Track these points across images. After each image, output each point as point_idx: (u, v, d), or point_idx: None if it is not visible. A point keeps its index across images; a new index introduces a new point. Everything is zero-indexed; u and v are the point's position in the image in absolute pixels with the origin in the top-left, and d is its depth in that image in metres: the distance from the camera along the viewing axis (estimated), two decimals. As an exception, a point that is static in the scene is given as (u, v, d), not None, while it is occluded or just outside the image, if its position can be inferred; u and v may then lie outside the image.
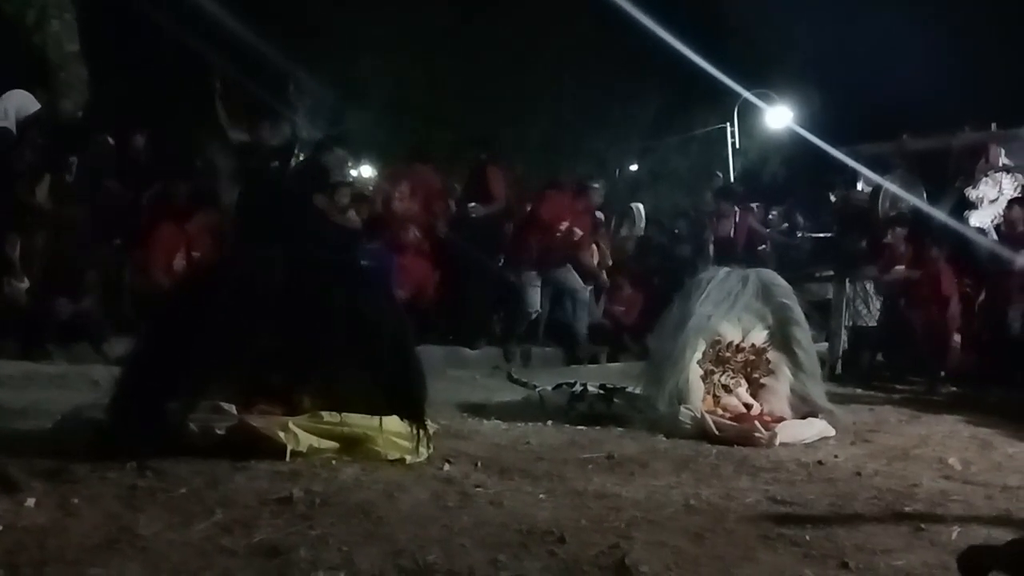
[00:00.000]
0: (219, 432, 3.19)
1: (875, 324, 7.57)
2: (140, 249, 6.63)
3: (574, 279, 7.86)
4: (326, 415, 3.33)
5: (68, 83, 8.44)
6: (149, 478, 2.86)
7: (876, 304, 7.57)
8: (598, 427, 4.48)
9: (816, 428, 4.45)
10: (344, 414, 3.33)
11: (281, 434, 3.21)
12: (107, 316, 6.23)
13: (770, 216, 10.11)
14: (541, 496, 2.96)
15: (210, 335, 3.32)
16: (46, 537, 2.26)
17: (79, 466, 2.92)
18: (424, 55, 14.19)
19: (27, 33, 8.53)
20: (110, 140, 7.30)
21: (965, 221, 8.19)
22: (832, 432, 4.45)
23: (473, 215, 7.84)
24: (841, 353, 7.61)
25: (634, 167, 12.25)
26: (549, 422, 4.57)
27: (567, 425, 4.51)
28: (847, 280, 7.71)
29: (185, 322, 3.45)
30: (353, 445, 3.31)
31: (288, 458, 3.15)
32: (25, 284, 5.95)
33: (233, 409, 3.26)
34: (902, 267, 7.56)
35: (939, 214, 8.03)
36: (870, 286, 7.59)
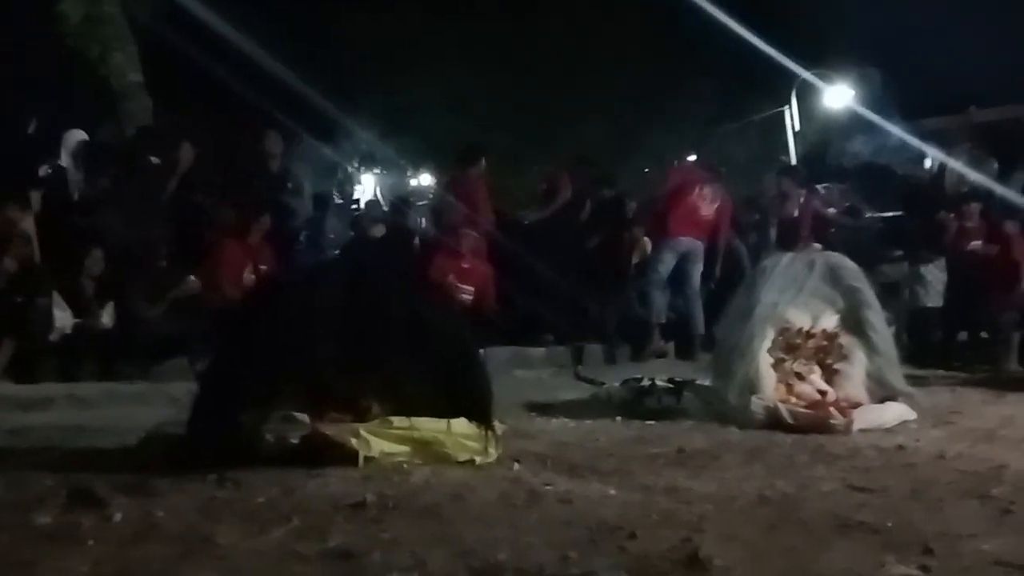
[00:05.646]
0: (293, 441, 3.26)
1: (935, 305, 7.37)
2: (208, 266, 6.79)
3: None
4: (396, 420, 3.38)
5: (132, 112, 8.74)
6: (227, 489, 2.94)
7: (935, 284, 7.37)
8: (667, 421, 4.43)
9: (895, 412, 4.33)
10: (413, 419, 3.37)
11: (353, 441, 3.27)
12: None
13: (830, 187, 9.86)
14: (610, 492, 2.94)
15: (278, 347, 3.41)
16: (130, 549, 2.34)
17: (160, 480, 3.01)
18: (479, 61, 14.33)
19: (92, 66, 8.86)
20: (153, 160, 7.09)
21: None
22: (912, 415, 4.33)
23: (526, 221, 7.94)
24: (908, 334, 7.43)
25: (692, 157, 12.12)
26: (617, 418, 4.55)
27: (635, 421, 4.48)
28: (908, 261, 7.53)
29: (254, 335, 3.55)
30: (423, 449, 3.34)
31: (361, 464, 3.20)
32: (105, 316, 6.16)
33: (306, 418, 3.33)
34: (978, 242, 7.33)
35: (1010, 191, 7.78)
36: (927, 267, 7.40)
